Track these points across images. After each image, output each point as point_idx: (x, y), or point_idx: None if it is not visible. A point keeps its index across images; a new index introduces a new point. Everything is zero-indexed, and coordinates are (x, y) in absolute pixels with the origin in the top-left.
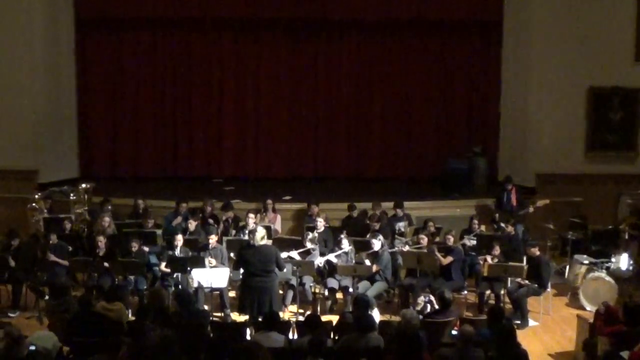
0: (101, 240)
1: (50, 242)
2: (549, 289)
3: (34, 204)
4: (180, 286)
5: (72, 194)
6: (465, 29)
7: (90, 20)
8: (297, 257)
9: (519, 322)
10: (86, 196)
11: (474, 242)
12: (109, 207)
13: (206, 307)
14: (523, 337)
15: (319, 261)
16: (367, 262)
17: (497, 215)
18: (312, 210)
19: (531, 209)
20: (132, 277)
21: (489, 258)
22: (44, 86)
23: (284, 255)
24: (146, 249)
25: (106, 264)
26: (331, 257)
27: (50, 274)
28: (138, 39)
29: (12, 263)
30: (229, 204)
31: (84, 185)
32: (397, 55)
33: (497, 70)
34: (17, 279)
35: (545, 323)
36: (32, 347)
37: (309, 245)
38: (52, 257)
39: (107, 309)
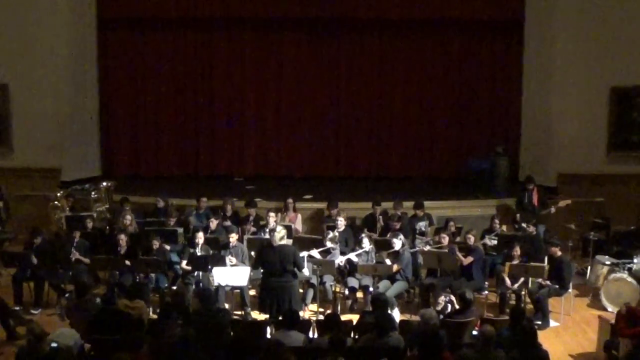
0: (122, 239)
1: (75, 240)
2: (570, 290)
3: (56, 202)
4: (201, 284)
5: (93, 193)
6: (487, 28)
7: (113, 20)
8: (318, 256)
9: (540, 322)
10: (107, 194)
11: (495, 242)
12: (128, 207)
13: (226, 306)
14: (544, 338)
15: (340, 260)
16: (388, 262)
17: (518, 215)
18: (330, 213)
19: (553, 209)
20: (153, 275)
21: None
22: (67, 85)
23: (304, 254)
24: (168, 247)
25: (127, 262)
26: (352, 256)
27: (73, 271)
28: (160, 38)
29: (35, 261)
30: (252, 202)
31: (105, 184)
32: (419, 54)
33: (519, 69)
34: (39, 276)
35: (566, 324)
36: (54, 344)
37: (329, 244)
38: (76, 255)
39: (128, 307)
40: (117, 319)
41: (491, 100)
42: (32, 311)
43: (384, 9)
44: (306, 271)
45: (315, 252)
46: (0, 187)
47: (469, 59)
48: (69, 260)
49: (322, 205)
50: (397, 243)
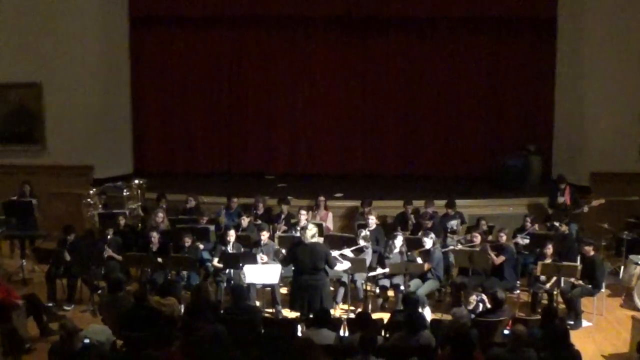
0: (154, 236)
1: (107, 237)
2: (602, 289)
3: (89, 200)
4: (232, 282)
5: (125, 190)
6: (518, 26)
7: (144, 18)
8: (350, 255)
9: (572, 322)
10: (139, 192)
11: (527, 241)
12: (163, 205)
13: (257, 303)
14: (576, 338)
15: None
16: (419, 260)
17: (550, 214)
18: (364, 210)
19: (585, 209)
20: (184, 273)
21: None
22: (99, 84)
23: (336, 253)
24: (201, 246)
25: (159, 260)
26: (346, 251)
27: (106, 268)
28: (191, 36)
29: (68, 257)
30: (285, 199)
31: (137, 181)
32: (450, 52)
33: (552, 67)
34: (72, 273)
35: (598, 324)
36: (86, 340)
37: (361, 242)
38: (108, 252)
39: (160, 304)
40: (149, 315)
41: (524, 98)
42: (65, 307)
43: (413, 7)
44: (342, 266)
45: (347, 251)
46: (31, 184)
47: (501, 57)
48: (102, 257)
49: (354, 203)
50: (428, 242)
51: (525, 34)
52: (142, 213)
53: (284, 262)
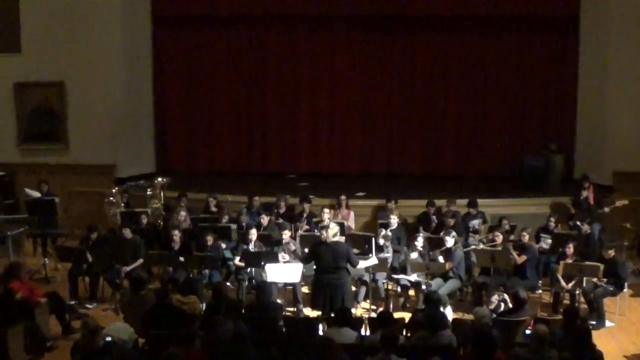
0: (176, 234)
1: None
2: (625, 290)
3: (111, 198)
4: (253, 281)
5: (148, 189)
6: (541, 24)
7: (167, 18)
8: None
9: (595, 322)
10: (162, 191)
11: (549, 242)
12: (183, 204)
13: (279, 302)
14: (598, 338)
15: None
16: (441, 259)
17: (573, 213)
18: (387, 207)
19: (607, 209)
20: (206, 271)
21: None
22: (122, 83)
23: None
24: (223, 245)
25: (181, 258)
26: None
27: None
28: (214, 35)
29: (90, 259)
30: (307, 197)
31: (160, 180)
32: (472, 52)
33: (574, 66)
34: (94, 271)
35: (621, 324)
36: (108, 338)
37: (381, 242)
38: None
39: (181, 303)
40: (171, 314)
41: (546, 97)
42: (87, 305)
43: (437, 6)
44: (367, 263)
45: (369, 263)
46: (48, 183)
47: (523, 56)
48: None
49: (375, 202)
50: (450, 240)
51: (548, 33)
52: (164, 212)
53: (305, 260)
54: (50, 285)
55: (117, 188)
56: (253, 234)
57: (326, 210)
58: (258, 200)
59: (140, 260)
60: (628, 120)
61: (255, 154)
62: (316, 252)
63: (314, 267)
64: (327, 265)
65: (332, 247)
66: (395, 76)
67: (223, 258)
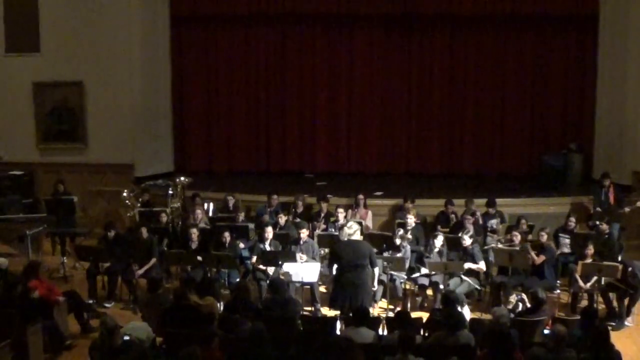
0: (194, 233)
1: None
2: None
3: (130, 197)
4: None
5: (170, 189)
6: (560, 23)
7: (185, 18)
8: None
9: (614, 323)
10: (181, 189)
11: (567, 242)
12: (198, 201)
13: None
14: (616, 338)
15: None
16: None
17: (592, 213)
18: (405, 205)
19: (627, 209)
20: (224, 270)
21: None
22: (140, 82)
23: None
24: (242, 245)
25: (199, 257)
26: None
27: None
28: (232, 35)
29: (108, 263)
30: (325, 196)
31: (181, 179)
32: (491, 50)
33: (593, 64)
34: (112, 270)
35: (639, 324)
36: (126, 337)
37: (398, 241)
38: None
39: (198, 303)
40: (188, 313)
41: (565, 96)
42: (105, 304)
43: (456, 5)
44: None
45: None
46: (64, 183)
47: (542, 55)
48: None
49: (393, 201)
50: (467, 240)
51: (567, 32)
52: (182, 211)
53: (330, 265)
54: (69, 284)
55: (136, 187)
56: (269, 232)
57: (340, 210)
58: (277, 199)
59: (154, 260)
60: None
61: (273, 153)
62: (337, 253)
63: (335, 266)
64: (348, 264)
65: (353, 246)
66: (414, 75)
67: (241, 257)
